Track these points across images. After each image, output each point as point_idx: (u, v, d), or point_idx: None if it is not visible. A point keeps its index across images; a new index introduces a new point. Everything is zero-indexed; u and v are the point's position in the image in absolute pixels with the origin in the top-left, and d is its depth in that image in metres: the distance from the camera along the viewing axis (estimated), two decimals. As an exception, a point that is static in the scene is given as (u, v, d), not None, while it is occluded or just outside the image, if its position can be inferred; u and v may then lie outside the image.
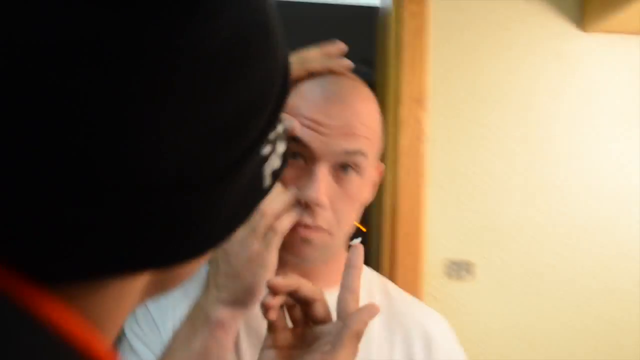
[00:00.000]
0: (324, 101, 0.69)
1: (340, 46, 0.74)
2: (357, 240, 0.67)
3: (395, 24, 1.46)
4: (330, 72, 0.73)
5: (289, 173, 0.69)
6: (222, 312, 0.62)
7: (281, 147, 0.37)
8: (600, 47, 1.49)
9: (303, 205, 0.67)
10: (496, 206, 1.44)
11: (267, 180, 0.35)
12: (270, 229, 0.65)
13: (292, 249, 0.67)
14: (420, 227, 1.40)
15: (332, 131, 0.67)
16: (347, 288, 0.62)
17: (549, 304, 1.43)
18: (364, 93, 0.74)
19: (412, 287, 1.36)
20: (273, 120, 0.33)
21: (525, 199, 1.45)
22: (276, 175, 0.36)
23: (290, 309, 0.61)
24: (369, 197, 0.77)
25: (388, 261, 1.39)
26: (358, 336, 0.56)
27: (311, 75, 0.73)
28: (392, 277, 1.35)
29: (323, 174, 0.68)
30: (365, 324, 0.57)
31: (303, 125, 0.68)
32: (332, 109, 0.68)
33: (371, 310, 0.58)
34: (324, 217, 0.69)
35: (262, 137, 0.32)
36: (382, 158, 0.80)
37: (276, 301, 0.58)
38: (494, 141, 1.46)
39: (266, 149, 0.34)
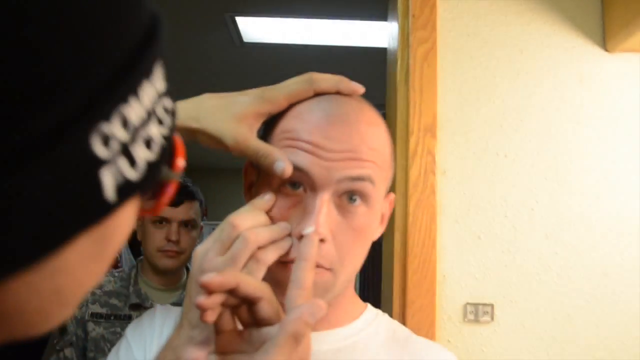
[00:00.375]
0: (324, 122, 0.62)
1: (358, 86, 0.67)
2: (310, 229, 0.58)
3: (403, 51, 1.39)
4: (337, 93, 0.66)
5: (285, 204, 0.63)
6: (194, 354, 0.53)
7: (157, 139, 0.28)
8: (625, 66, 1.37)
9: (299, 239, 0.59)
10: (518, 242, 1.33)
11: (111, 186, 0.25)
12: (253, 258, 0.57)
13: (284, 290, 0.56)
14: (433, 265, 1.29)
15: (334, 156, 0.60)
16: (295, 283, 0.54)
17: (577, 350, 1.29)
18: (371, 114, 0.66)
19: (426, 330, 1.25)
20: (126, 87, 0.25)
21: (550, 233, 1.33)
22: (148, 175, 0.27)
23: (236, 309, 0.52)
24: (378, 230, 0.69)
25: (399, 303, 1.29)
26: (295, 338, 0.47)
27: (315, 95, 0.66)
28: (403, 321, 1.25)
29: (324, 203, 0.60)
30: (305, 324, 0.48)
31: (301, 150, 0.61)
32: (333, 130, 0.62)
33: (312, 309, 0.49)
34: (325, 253, 0.60)
35: (101, 106, 0.24)
36: (392, 190, 0.72)
37: (211, 301, 0.49)
38: (513, 172, 1.35)
39: (115, 129, 0.25)
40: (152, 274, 1.74)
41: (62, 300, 0.28)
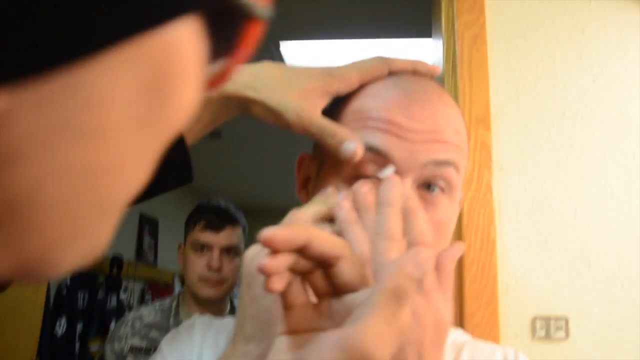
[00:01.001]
0: (405, 100, 0.54)
1: (436, 67, 0.60)
2: (389, 171, 0.49)
3: (448, 39, 1.27)
4: (414, 74, 0.58)
5: None
6: None
7: None
8: None
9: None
10: (592, 244, 1.15)
11: None
12: None
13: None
14: (493, 273, 1.13)
15: (417, 137, 0.52)
16: (381, 235, 0.43)
17: (677, 371, 1.08)
18: (450, 99, 0.58)
19: (489, 349, 1.08)
20: None
21: (630, 233, 1.14)
22: None
23: (309, 276, 0.40)
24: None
25: (455, 319, 1.12)
26: (399, 297, 0.34)
27: (390, 75, 0.58)
28: (461, 337, 1.08)
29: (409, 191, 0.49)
30: (410, 278, 0.35)
31: (378, 129, 0.51)
32: (416, 109, 0.53)
33: (418, 258, 0.38)
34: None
35: None
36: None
37: (277, 263, 0.36)
38: (581, 164, 1.18)
39: None
40: (193, 304, 1.62)
41: (94, 195, 0.20)
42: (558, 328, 1.11)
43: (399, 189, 0.46)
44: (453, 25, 1.25)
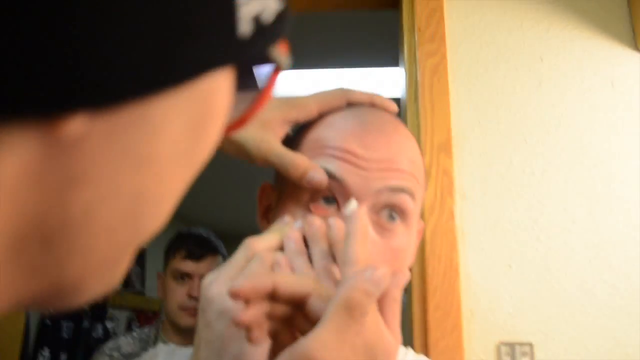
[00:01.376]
0: (360, 130, 0.55)
1: (392, 104, 0.62)
2: (352, 205, 0.50)
3: (410, 67, 1.29)
4: (371, 106, 0.59)
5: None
6: None
7: None
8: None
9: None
10: (555, 269, 1.15)
11: (244, 25, 0.21)
12: None
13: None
14: (457, 299, 1.13)
15: (372, 165, 0.53)
16: (345, 262, 0.44)
17: (640, 396, 1.08)
18: (406, 130, 0.59)
19: (454, 377, 1.08)
20: None
21: (592, 257, 1.15)
22: (260, 26, 0.22)
23: (290, 323, 0.41)
24: (412, 261, 0.59)
25: (420, 343, 1.12)
26: (350, 310, 0.37)
27: (348, 106, 0.59)
28: (425, 365, 1.08)
29: (363, 214, 0.50)
30: (363, 293, 0.38)
31: (334, 157, 0.53)
32: (370, 138, 0.54)
33: (371, 276, 0.40)
34: None
35: None
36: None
37: (252, 314, 0.38)
38: (542, 190, 1.20)
39: None
40: (173, 333, 1.61)
41: (136, 224, 0.21)
42: (523, 354, 1.11)
43: (363, 220, 0.47)
44: (415, 54, 1.28)
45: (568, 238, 1.17)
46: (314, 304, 0.40)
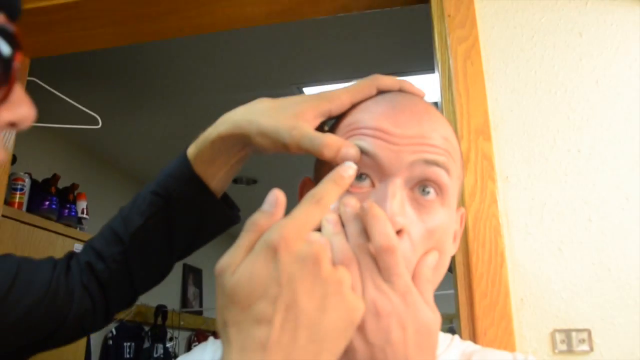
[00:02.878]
0: (392, 111, 0.55)
1: (421, 90, 0.63)
2: (352, 167, 0.52)
3: (443, 55, 1.27)
4: (400, 91, 0.60)
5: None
6: None
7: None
8: None
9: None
10: (610, 250, 1.08)
11: None
12: None
13: None
14: (505, 286, 1.08)
15: (404, 140, 0.53)
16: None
17: None
18: (438, 112, 0.59)
19: (507, 367, 1.02)
20: None
21: (651, 237, 1.08)
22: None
23: None
24: (452, 247, 0.59)
25: (468, 334, 1.07)
26: (270, 248, 0.43)
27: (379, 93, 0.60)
28: (475, 355, 1.03)
29: (398, 189, 0.51)
30: (280, 236, 0.43)
31: (366, 135, 0.53)
32: (402, 117, 0.55)
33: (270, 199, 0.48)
34: (402, 250, 0.49)
35: None
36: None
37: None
38: (591, 168, 1.13)
39: None
40: None
41: None
42: (581, 341, 1.05)
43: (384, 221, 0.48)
44: (446, 42, 1.26)
45: (622, 217, 1.10)
46: None
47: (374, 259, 0.46)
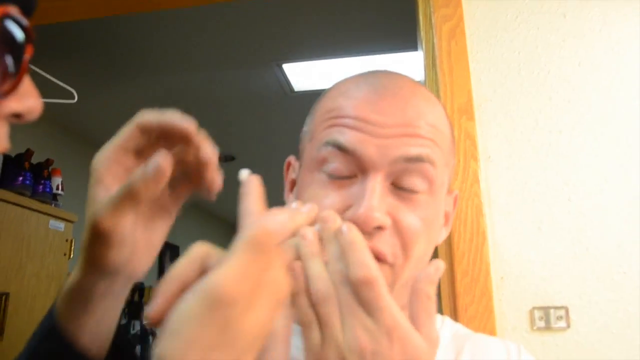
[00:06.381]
0: (374, 95, 0.52)
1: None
2: (245, 172, 0.42)
3: (427, 34, 1.26)
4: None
5: (330, 196, 0.50)
6: None
7: None
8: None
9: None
10: (588, 229, 1.11)
11: None
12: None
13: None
14: (486, 265, 1.10)
15: (387, 131, 0.50)
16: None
17: (685, 356, 1.02)
18: (427, 92, 0.56)
19: (486, 343, 1.04)
20: None
21: (627, 216, 1.10)
22: None
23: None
24: (443, 232, 0.57)
25: (449, 311, 1.09)
26: (256, 245, 0.34)
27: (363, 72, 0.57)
28: (455, 332, 1.04)
29: (378, 185, 0.49)
30: (266, 230, 0.35)
31: (346, 127, 0.50)
32: (384, 103, 0.51)
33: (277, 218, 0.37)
34: (383, 242, 0.48)
35: None
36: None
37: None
38: (572, 149, 1.15)
39: None
40: None
41: None
42: (559, 318, 1.07)
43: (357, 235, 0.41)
44: (430, 20, 1.25)
45: (601, 197, 1.12)
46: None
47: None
